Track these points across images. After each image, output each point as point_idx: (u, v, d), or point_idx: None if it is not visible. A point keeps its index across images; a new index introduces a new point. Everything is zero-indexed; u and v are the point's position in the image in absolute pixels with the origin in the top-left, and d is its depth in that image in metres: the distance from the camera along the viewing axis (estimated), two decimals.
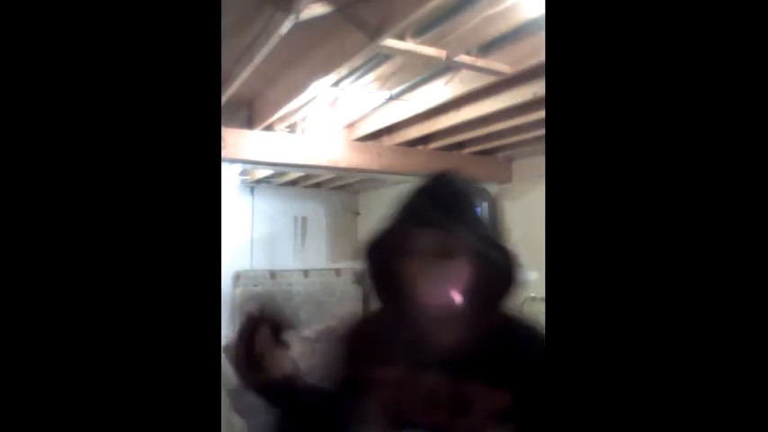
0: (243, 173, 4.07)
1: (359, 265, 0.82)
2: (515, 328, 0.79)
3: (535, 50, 1.76)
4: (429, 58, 1.76)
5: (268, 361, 0.78)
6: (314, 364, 0.94)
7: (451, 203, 0.75)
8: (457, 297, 0.74)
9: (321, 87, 2.03)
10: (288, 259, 4.50)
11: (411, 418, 0.76)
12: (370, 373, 0.81)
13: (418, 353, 0.78)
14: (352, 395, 0.81)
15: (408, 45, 1.68)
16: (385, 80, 2.15)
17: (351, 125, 2.92)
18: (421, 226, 0.74)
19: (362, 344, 0.87)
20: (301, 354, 0.97)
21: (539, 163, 3.59)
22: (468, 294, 0.75)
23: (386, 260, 0.79)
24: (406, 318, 0.78)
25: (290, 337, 0.83)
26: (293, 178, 4.25)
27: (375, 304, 0.86)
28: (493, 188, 3.92)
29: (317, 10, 1.46)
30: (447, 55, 1.74)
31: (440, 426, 0.74)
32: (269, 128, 2.70)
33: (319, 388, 0.87)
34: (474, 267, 0.75)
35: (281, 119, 2.63)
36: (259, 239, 4.44)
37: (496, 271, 0.75)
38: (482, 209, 0.78)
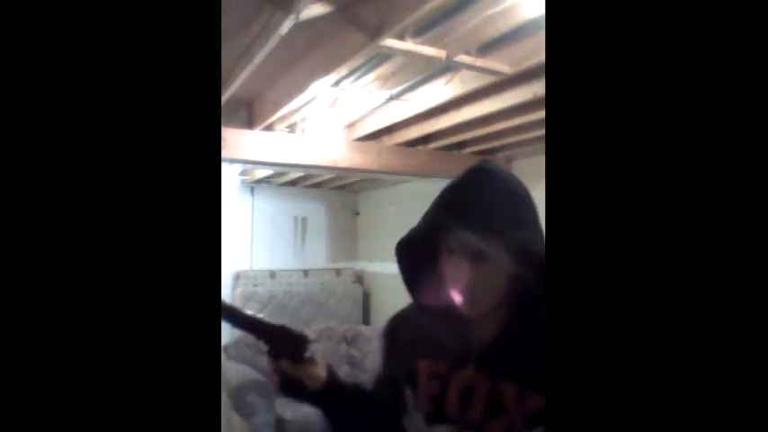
0: (243, 173, 4.07)
1: (396, 264, 0.82)
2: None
3: (535, 50, 1.76)
4: (429, 58, 1.76)
5: (305, 380, 0.86)
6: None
7: (488, 203, 0.72)
8: (488, 300, 0.74)
9: (321, 87, 2.03)
10: (288, 259, 4.50)
11: (449, 414, 0.76)
12: (414, 365, 0.82)
13: (457, 350, 0.78)
14: (405, 384, 0.83)
15: (408, 45, 1.68)
16: (385, 80, 2.15)
17: (351, 125, 2.93)
18: (456, 226, 0.72)
19: (407, 336, 0.88)
20: None
21: (539, 163, 3.59)
22: (505, 295, 0.74)
23: (417, 259, 0.78)
24: (441, 316, 0.78)
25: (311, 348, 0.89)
26: (293, 178, 4.25)
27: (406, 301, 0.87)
28: None
29: (317, 10, 1.46)
30: (447, 55, 1.74)
31: (474, 424, 0.74)
32: (269, 128, 2.70)
33: (356, 384, 0.94)
34: (511, 269, 0.72)
35: (281, 119, 2.63)
36: (259, 239, 4.44)
37: (527, 278, 0.73)
38: (530, 207, 0.76)
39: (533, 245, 0.71)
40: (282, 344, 0.87)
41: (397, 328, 0.92)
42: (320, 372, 0.87)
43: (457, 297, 0.73)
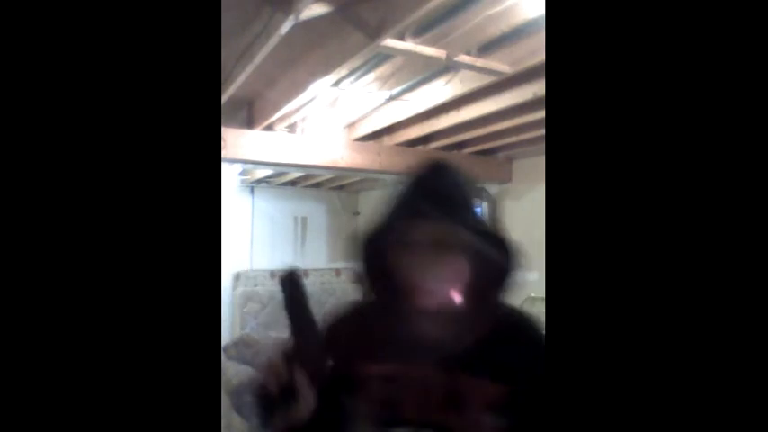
0: (243, 173, 4.07)
1: (355, 261, 0.79)
2: (510, 320, 0.79)
3: (535, 50, 1.76)
4: (429, 58, 1.76)
5: (300, 404, 0.67)
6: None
7: (448, 194, 0.74)
8: (454, 293, 0.73)
9: (321, 87, 2.03)
10: (288, 259, 4.50)
11: (405, 415, 0.73)
12: (362, 369, 0.76)
13: (412, 348, 0.75)
14: (345, 392, 0.77)
15: (408, 45, 1.68)
16: (385, 80, 2.15)
17: (351, 125, 2.93)
18: (418, 218, 0.72)
19: (353, 339, 0.81)
20: None
21: (539, 163, 3.59)
22: (467, 287, 0.74)
23: (382, 253, 0.77)
24: (400, 312, 0.77)
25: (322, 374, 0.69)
26: (293, 178, 4.25)
27: (366, 298, 0.83)
28: (493, 188, 3.93)
29: (317, 10, 1.46)
30: (447, 55, 1.74)
31: (435, 422, 0.72)
32: (269, 128, 2.70)
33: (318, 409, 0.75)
34: (473, 259, 0.74)
35: (281, 119, 2.63)
36: (259, 239, 4.44)
37: (495, 262, 0.74)
38: (481, 201, 0.78)
39: (492, 237, 0.74)
40: (310, 350, 0.69)
41: (337, 332, 0.83)
42: (311, 404, 0.68)
43: (420, 291, 0.72)
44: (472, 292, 0.75)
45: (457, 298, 0.73)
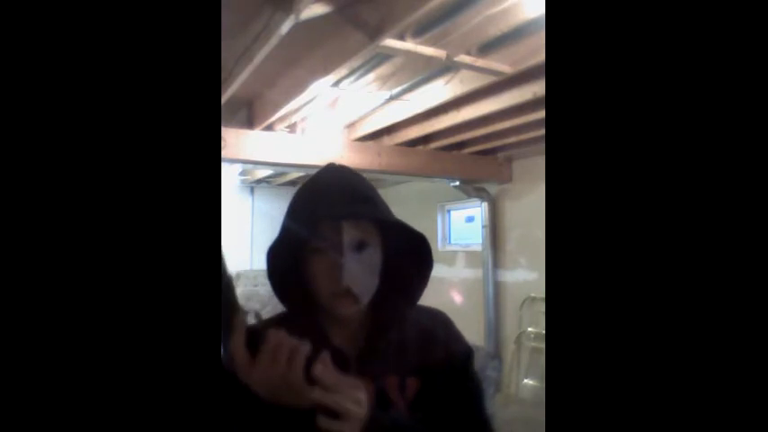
0: (243, 173, 4.07)
1: (267, 275, 0.73)
2: (419, 314, 0.77)
3: (535, 50, 1.76)
4: (429, 58, 1.77)
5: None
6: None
7: (351, 192, 0.72)
8: (373, 287, 0.70)
9: (321, 87, 2.03)
10: None
11: None
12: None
13: (334, 357, 0.70)
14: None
15: (408, 45, 1.68)
16: (385, 80, 2.15)
17: (351, 125, 2.93)
18: (327, 219, 0.68)
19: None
20: None
21: (539, 163, 3.60)
22: (383, 283, 0.72)
23: (291, 263, 0.72)
24: (317, 322, 0.73)
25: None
26: (293, 178, 4.25)
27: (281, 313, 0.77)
28: (493, 188, 3.93)
29: (317, 10, 1.47)
30: (447, 55, 1.74)
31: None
32: (269, 128, 2.70)
33: None
34: (387, 253, 0.72)
35: (281, 119, 2.63)
36: (259, 239, 4.44)
37: (408, 255, 0.73)
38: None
39: (403, 230, 0.71)
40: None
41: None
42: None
43: (347, 292, 0.67)
44: (388, 291, 0.73)
45: (368, 295, 0.70)
